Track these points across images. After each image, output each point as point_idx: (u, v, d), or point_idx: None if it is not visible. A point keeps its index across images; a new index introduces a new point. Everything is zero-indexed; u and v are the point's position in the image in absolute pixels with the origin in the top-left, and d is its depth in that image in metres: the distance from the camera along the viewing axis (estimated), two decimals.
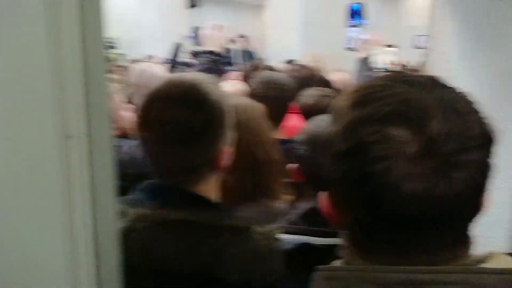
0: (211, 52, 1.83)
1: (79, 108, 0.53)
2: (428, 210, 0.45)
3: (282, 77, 1.80)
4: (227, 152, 0.90)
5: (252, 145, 1.13)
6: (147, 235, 0.82)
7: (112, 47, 8.45)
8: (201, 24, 5.68)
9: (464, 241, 0.50)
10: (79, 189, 0.54)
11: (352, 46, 2.77)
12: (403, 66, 4.39)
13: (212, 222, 0.84)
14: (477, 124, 0.46)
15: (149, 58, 6.29)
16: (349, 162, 0.47)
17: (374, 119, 0.46)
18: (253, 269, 0.80)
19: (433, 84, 0.49)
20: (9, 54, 0.49)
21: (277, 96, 1.72)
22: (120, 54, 8.88)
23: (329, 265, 0.53)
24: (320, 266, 0.52)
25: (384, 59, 2.78)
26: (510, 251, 0.51)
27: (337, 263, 0.54)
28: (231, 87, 2.20)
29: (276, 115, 1.72)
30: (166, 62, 6.05)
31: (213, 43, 1.86)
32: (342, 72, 3.06)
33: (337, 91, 2.11)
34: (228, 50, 4.07)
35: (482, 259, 0.48)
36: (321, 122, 1.11)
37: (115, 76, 4.50)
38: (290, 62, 3.85)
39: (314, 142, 1.09)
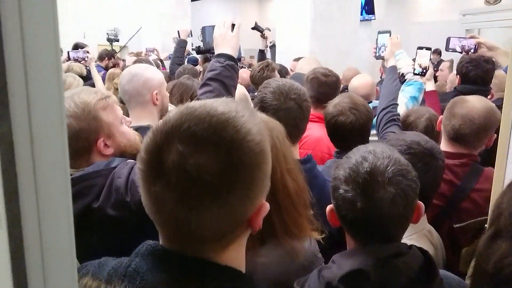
0: (226, 56, 1.54)
1: None
2: None
3: (299, 86, 1.55)
4: (265, 207, 0.69)
5: (276, 173, 0.97)
6: None
7: (115, 40, 8.32)
8: (204, 18, 5.57)
9: None
10: None
11: (382, 54, 2.59)
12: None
13: None
14: None
15: (151, 51, 6.12)
16: None
17: None
18: None
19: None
20: None
21: (297, 109, 1.47)
22: (122, 47, 8.74)
23: None
24: None
25: (419, 63, 2.60)
26: None
27: None
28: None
29: (295, 131, 1.51)
30: (169, 58, 5.92)
31: (226, 44, 1.57)
32: (362, 76, 2.88)
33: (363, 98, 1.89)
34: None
35: None
36: (367, 154, 0.94)
37: (117, 72, 4.38)
38: (298, 59, 3.68)
39: (361, 181, 0.91)
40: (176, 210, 0.62)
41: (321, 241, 1.08)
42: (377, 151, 0.95)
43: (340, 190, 0.93)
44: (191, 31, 4.69)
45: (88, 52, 3.92)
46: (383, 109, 2.06)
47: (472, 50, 2.64)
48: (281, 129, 1.10)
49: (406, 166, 0.94)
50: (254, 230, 0.69)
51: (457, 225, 1.46)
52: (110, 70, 4.57)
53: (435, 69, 8.73)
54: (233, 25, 1.58)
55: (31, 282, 0.38)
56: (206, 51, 2.32)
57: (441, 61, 9.24)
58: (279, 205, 0.97)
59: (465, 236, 1.43)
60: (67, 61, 3.85)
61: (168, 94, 1.95)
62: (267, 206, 0.69)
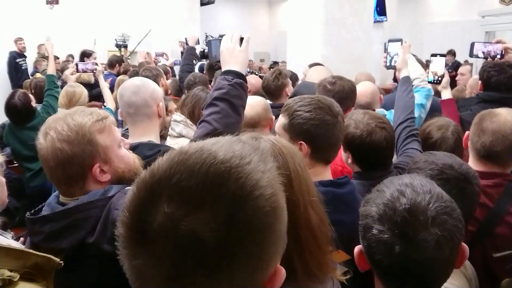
0: (234, 74, 1.40)
1: None
2: None
3: (332, 101, 1.42)
4: (281, 274, 0.57)
5: (299, 207, 0.85)
6: None
7: (123, 46, 8.29)
8: (213, 23, 5.50)
9: None
10: None
11: (394, 64, 2.45)
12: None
13: None
14: None
15: (160, 55, 6.06)
16: None
17: None
18: None
19: None
20: None
21: (341, 123, 1.36)
22: (131, 52, 8.71)
23: None
24: None
25: (433, 70, 2.48)
26: None
27: None
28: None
29: (338, 148, 1.41)
30: (174, 64, 5.85)
31: (234, 60, 1.41)
32: (363, 84, 2.74)
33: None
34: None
35: None
36: (403, 188, 0.81)
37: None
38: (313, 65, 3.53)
39: (399, 220, 0.78)
40: (161, 282, 0.49)
41: (345, 282, 0.96)
42: (415, 184, 0.82)
43: (374, 230, 0.80)
44: (198, 39, 4.62)
45: (96, 64, 3.88)
46: (401, 123, 1.94)
47: (498, 56, 2.48)
48: (301, 156, 0.98)
49: (450, 202, 0.81)
50: None
51: (497, 255, 1.33)
52: (120, 77, 4.52)
53: (450, 70, 8.59)
54: (241, 39, 1.44)
55: None
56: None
57: (455, 62, 9.06)
58: (301, 243, 0.85)
59: (503, 266, 1.29)
60: (77, 72, 3.81)
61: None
62: (282, 272, 0.57)
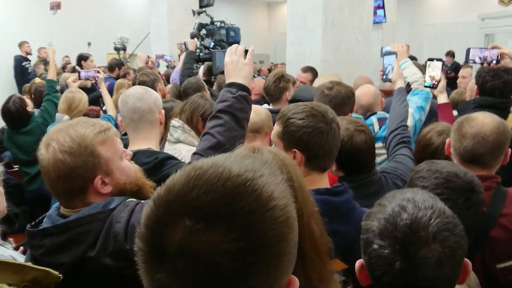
0: (238, 86, 1.40)
1: None
2: None
3: (327, 108, 1.42)
4: (295, 283, 0.58)
5: (303, 218, 0.84)
6: None
7: (122, 49, 8.29)
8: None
9: None
10: None
11: (389, 76, 2.49)
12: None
13: None
14: None
15: (160, 57, 6.06)
16: None
17: None
18: None
19: None
20: None
21: (337, 129, 1.36)
22: (130, 54, 8.71)
23: None
24: None
25: (430, 75, 2.49)
26: None
27: None
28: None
29: (335, 154, 1.40)
30: (166, 67, 5.86)
31: (238, 73, 1.42)
32: (365, 86, 2.75)
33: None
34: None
35: None
36: (405, 203, 0.80)
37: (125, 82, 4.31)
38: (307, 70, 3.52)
39: (400, 236, 0.77)
40: None
41: None
42: (416, 199, 0.82)
43: (374, 245, 0.79)
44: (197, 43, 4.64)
45: (98, 71, 3.90)
46: (392, 131, 1.99)
47: (494, 62, 2.49)
48: (297, 166, 0.97)
49: (452, 218, 0.81)
50: None
51: (500, 266, 1.32)
52: (119, 81, 4.51)
53: (449, 71, 8.57)
54: (245, 51, 1.45)
55: None
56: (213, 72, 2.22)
57: (454, 63, 9.05)
58: (304, 256, 0.84)
59: (505, 276, 1.29)
60: (79, 80, 3.83)
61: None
62: (296, 282, 0.58)
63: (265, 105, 2.99)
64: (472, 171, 1.54)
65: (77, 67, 5.91)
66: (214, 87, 4.10)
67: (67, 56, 8.10)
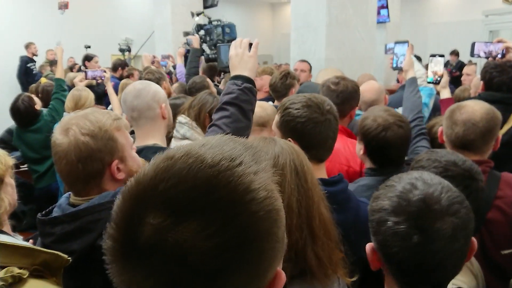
0: (243, 79, 1.42)
1: None
2: None
3: (325, 98, 1.45)
4: (281, 277, 0.54)
5: (313, 199, 0.86)
6: None
7: (127, 50, 8.33)
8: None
9: None
10: None
11: (400, 65, 2.48)
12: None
13: None
14: None
15: (166, 58, 6.07)
16: None
17: None
18: None
19: None
20: None
21: (333, 120, 1.39)
22: (135, 55, 8.76)
23: None
24: None
25: (434, 71, 2.50)
26: None
27: None
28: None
29: (332, 145, 1.42)
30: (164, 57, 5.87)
31: (243, 65, 1.44)
32: (369, 82, 2.75)
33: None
34: None
35: None
36: (414, 181, 0.82)
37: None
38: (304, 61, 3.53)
39: (415, 210, 0.78)
40: None
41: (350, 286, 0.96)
42: (424, 177, 0.84)
43: (389, 223, 0.79)
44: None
45: (105, 71, 3.96)
46: (409, 122, 1.96)
47: (499, 56, 2.49)
48: (304, 156, 0.99)
49: (459, 193, 0.83)
50: None
51: (505, 252, 1.34)
52: (123, 81, 4.53)
53: (454, 70, 8.55)
54: (250, 45, 1.47)
55: None
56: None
57: (459, 62, 9.03)
58: (314, 235, 0.86)
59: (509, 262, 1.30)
60: (85, 79, 3.89)
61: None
62: (283, 276, 0.54)
63: (270, 102, 3.01)
64: (465, 156, 1.58)
65: (83, 67, 5.95)
66: (222, 85, 4.13)
67: (72, 57, 8.15)
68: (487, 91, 2.50)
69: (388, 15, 8.38)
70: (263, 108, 1.99)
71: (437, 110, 2.51)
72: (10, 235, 1.38)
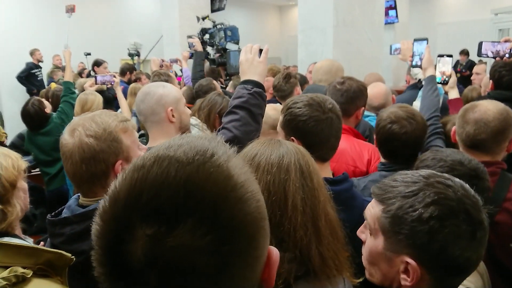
0: (253, 83, 1.46)
1: None
2: None
3: (327, 97, 1.46)
4: (274, 255, 0.54)
5: (319, 198, 0.87)
6: None
7: (136, 54, 8.40)
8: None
9: None
10: None
11: (419, 63, 2.43)
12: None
13: None
14: None
15: (174, 62, 6.09)
16: None
17: None
18: None
19: None
20: None
21: (336, 119, 1.40)
22: (143, 59, 8.83)
23: None
24: None
25: (442, 71, 2.48)
26: None
27: None
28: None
29: (336, 144, 1.43)
30: (173, 61, 5.89)
31: (253, 70, 1.47)
32: (375, 85, 2.73)
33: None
34: None
35: None
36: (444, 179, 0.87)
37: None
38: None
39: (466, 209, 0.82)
40: None
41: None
42: (444, 175, 0.90)
43: (446, 229, 0.81)
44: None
45: (115, 76, 4.03)
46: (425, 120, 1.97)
47: (507, 55, 2.47)
48: (309, 156, 1.00)
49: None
50: (270, 285, 0.53)
51: None
52: (132, 85, 4.57)
53: (464, 70, 8.46)
54: (260, 50, 1.51)
55: None
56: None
57: (469, 61, 8.95)
58: (319, 234, 0.86)
59: None
60: (95, 84, 3.94)
61: (189, 111, 1.88)
62: (275, 251, 0.54)
63: (278, 104, 3.03)
64: (475, 157, 1.56)
65: (92, 72, 6.00)
66: (230, 88, 4.14)
67: (82, 62, 8.24)
68: (496, 89, 2.49)
69: (397, 15, 8.34)
70: (277, 111, 1.99)
71: (445, 110, 2.50)
72: (21, 238, 1.40)
